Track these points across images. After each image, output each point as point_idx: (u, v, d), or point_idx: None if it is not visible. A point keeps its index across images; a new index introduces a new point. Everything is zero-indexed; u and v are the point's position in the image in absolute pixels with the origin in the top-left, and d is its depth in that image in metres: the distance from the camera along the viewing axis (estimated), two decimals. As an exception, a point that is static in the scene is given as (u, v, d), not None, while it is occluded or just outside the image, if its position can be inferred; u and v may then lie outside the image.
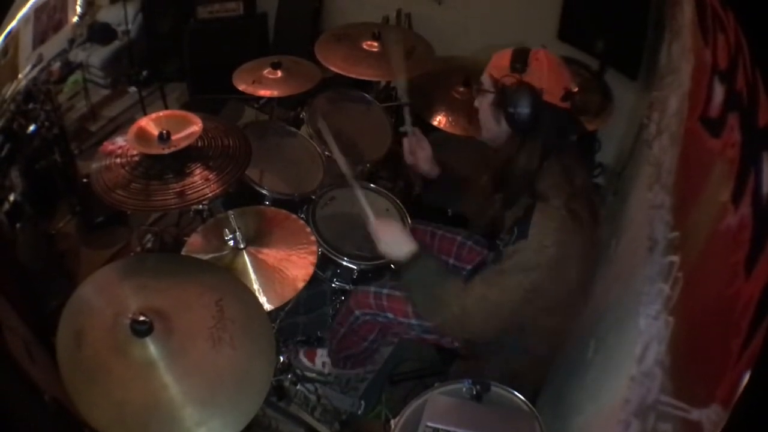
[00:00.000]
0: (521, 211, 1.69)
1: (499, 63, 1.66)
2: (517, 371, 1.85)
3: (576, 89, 1.64)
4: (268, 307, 1.85)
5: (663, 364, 1.14)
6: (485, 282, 1.68)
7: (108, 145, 2.03)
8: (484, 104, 1.72)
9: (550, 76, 1.59)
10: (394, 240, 1.82)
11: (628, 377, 1.29)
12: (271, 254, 1.98)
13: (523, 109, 1.57)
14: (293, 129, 2.72)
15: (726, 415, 0.84)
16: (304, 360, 2.45)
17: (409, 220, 2.33)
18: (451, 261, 2.18)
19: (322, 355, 2.42)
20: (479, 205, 2.01)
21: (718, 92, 1.25)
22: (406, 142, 2.08)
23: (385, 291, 2.04)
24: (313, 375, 2.43)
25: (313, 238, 2.07)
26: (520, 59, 1.62)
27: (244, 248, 1.97)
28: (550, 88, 1.59)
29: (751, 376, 0.81)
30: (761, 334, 0.81)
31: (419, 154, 2.06)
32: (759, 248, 0.88)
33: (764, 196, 0.91)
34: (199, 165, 1.96)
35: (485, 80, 1.71)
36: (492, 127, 1.71)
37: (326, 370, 2.42)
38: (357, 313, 2.08)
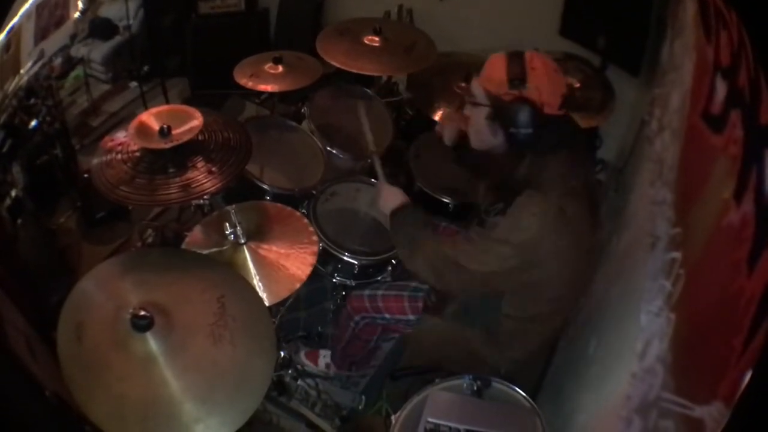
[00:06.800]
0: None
1: (494, 75, 1.57)
2: (501, 339, 1.80)
3: (578, 85, 1.61)
4: (267, 302, 1.84)
5: (664, 361, 1.14)
6: (466, 240, 1.68)
7: (108, 141, 2.03)
8: (477, 117, 1.64)
9: (549, 88, 1.52)
10: (393, 195, 1.86)
11: (629, 374, 1.29)
12: (271, 249, 1.98)
13: (526, 129, 1.53)
14: (294, 124, 2.71)
15: (728, 413, 0.84)
16: (306, 361, 2.45)
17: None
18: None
19: (325, 357, 2.42)
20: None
21: (720, 89, 1.25)
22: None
23: (379, 293, 2.05)
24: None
25: (313, 233, 2.07)
26: (518, 72, 1.53)
27: (245, 243, 1.96)
28: (550, 100, 1.53)
29: (753, 374, 0.81)
30: (763, 331, 0.81)
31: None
32: (761, 245, 0.87)
33: (766, 192, 0.90)
34: (201, 158, 1.96)
35: (478, 92, 1.62)
36: (488, 140, 1.65)
37: (331, 372, 2.42)
38: (356, 318, 2.09)
